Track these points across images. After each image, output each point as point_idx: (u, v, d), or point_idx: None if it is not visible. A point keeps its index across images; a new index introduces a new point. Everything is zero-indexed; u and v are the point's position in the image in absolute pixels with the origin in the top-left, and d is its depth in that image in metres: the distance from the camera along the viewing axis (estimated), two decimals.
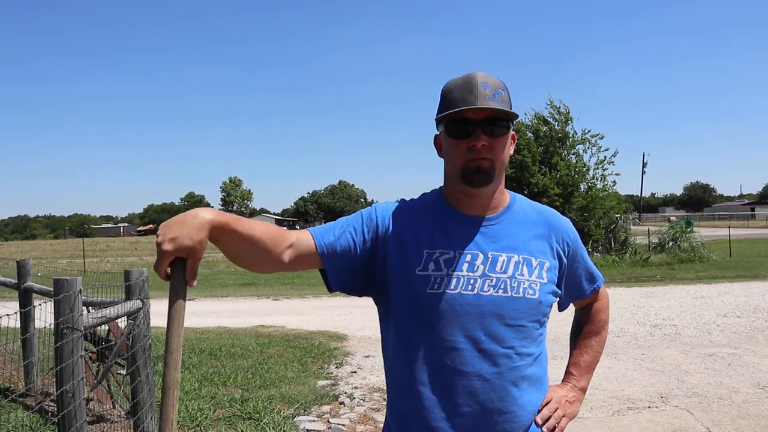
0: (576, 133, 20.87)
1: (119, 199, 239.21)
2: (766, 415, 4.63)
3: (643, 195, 77.08)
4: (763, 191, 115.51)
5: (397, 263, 1.45)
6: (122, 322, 3.96)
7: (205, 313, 10.68)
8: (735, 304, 9.99)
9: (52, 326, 2.79)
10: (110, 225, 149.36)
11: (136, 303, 3.74)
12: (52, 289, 2.88)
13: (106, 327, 4.42)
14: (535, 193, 20.09)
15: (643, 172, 67.31)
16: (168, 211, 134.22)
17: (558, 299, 1.59)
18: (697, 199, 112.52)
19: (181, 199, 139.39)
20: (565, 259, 1.56)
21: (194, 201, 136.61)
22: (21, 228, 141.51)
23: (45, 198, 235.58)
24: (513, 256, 1.46)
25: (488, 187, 1.44)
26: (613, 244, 20.58)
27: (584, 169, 20.62)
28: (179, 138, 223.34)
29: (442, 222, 1.48)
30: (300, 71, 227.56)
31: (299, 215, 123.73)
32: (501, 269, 1.44)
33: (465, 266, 1.43)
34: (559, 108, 20.92)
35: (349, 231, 1.46)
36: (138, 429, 3.80)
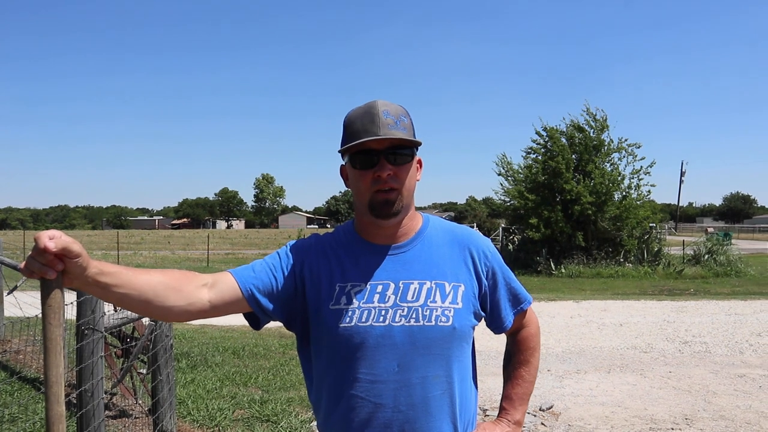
0: (612, 141, 20.53)
1: (155, 192, 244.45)
2: None
3: (681, 204, 75.36)
4: None
5: (312, 299, 1.45)
6: (147, 319, 4.04)
7: None
8: None
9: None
10: (146, 218, 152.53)
11: None
12: None
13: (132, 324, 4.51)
14: (568, 201, 19.83)
15: (681, 181, 65.83)
16: (202, 205, 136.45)
17: (480, 321, 1.54)
18: (737, 210, 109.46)
19: (215, 194, 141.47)
20: (485, 280, 1.52)
21: (228, 196, 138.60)
22: (61, 218, 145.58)
23: (85, 189, 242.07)
24: (425, 283, 1.44)
25: (397, 218, 1.43)
26: (645, 255, 20.15)
27: (619, 178, 20.26)
28: (215, 134, 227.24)
29: (353, 254, 1.48)
30: (338, 71, 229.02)
31: (330, 214, 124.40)
32: (413, 297, 1.42)
33: (376, 297, 1.42)
34: (596, 115, 20.61)
35: (269, 270, 1.45)
36: (157, 427, 3.87)
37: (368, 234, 1.49)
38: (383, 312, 1.41)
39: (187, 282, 1.35)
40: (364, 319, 1.40)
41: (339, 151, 1.46)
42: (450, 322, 1.42)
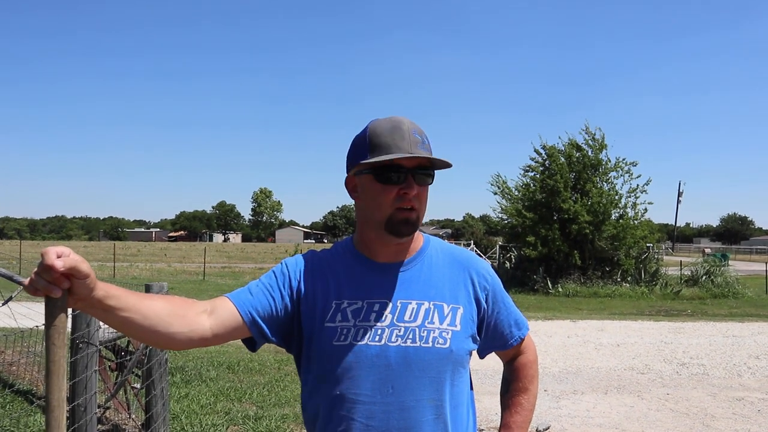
0: (609, 161, 20.63)
1: (153, 204, 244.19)
2: None
3: (678, 225, 75.57)
4: None
5: (308, 316, 1.42)
6: None
7: None
8: None
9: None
10: (143, 229, 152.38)
11: None
12: None
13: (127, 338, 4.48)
14: (566, 220, 19.87)
15: (679, 201, 66.06)
16: (199, 218, 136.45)
17: (477, 346, 1.52)
18: (734, 232, 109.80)
19: (213, 207, 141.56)
20: (484, 304, 1.49)
21: (225, 209, 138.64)
22: (57, 228, 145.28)
23: (82, 199, 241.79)
24: (423, 303, 1.42)
25: (409, 237, 1.43)
26: (643, 275, 20.15)
27: (616, 197, 20.33)
28: (214, 146, 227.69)
29: (351, 271, 1.45)
30: (335, 84, 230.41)
31: (327, 229, 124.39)
32: (410, 318, 1.40)
33: (373, 316, 1.39)
34: (594, 134, 20.73)
35: (267, 292, 1.41)
36: None
37: (371, 251, 1.46)
38: (379, 331, 1.38)
39: (188, 308, 1.31)
40: (359, 338, 1.37)
41: (360, 162, 1.40)
42: (447, 345, 1.40)
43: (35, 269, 1.09)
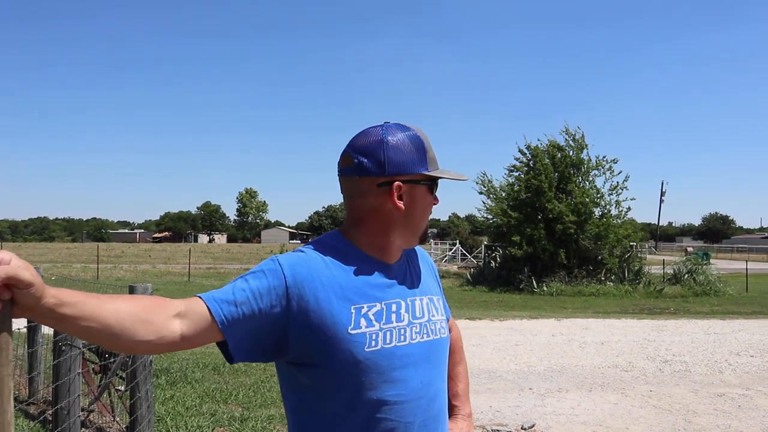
0: (590, 160, 20.82)
1: (137, 206, 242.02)
2: None
3: (661, 224, 76.35)
4: None
5: (323, 325, 1.30)
6: None
7: None
8: (749, 342, 9.80)
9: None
10: (127, 231, 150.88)
11: None
12: None
13: None
14: (550, 219, 20.00)
15: (662, 201, 66.82)
16: (184, 219, 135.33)
17: None
18: (716, 231, 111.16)
19: (198, 208, 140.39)
20: (441, 291, 1.67)
21: (210, 210, 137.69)
22: (40, 230, 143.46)
23: (65, 201, 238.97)
24: (423, 298, 1.49)
25: None
26: (626, 274, 20.35)
27: (598, 196, 20.51)
28: (197, 147, 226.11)
29: (362, 274, 1.40)
30: (319, 86, 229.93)
31: (313, 229, 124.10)
32: (420, 314, 1.45)
33: (393, 317, 1.39)
34: (575, 135, 20.90)
35: (253, 295, 1.27)
36: None
37: (383, 253, 1.45)
38: (402, 331, 1.40)
39: (157, 312, 1.19)
40: (388, 341, 1.36)
41: (429, 174, 1.42)
42: (447, 334, 1.52)
43: None
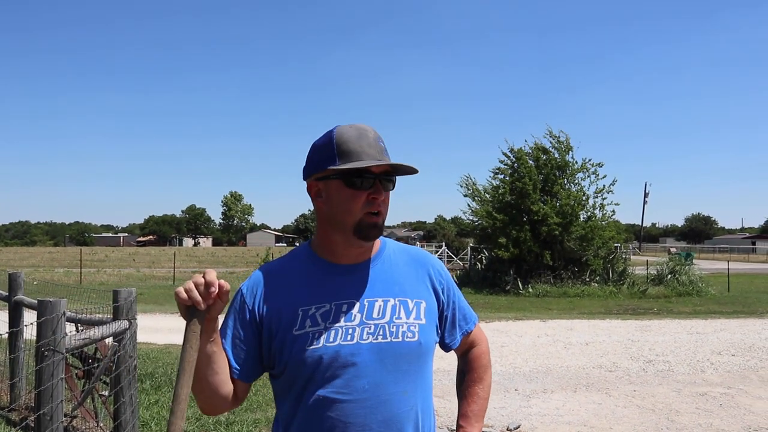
0: (576, 162, 20.96)
1: (121, 209, 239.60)
2: None
3: (644, 225, 77.13)
4: (764, 225, 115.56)
5: (276, 331, 1.43)
6: (110, 340, 3.95)
7: None
8: (730, 342, 9.94)
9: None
10: (110, 234, 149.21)
11: (122, 324, 3.73)
12: None
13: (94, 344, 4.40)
14: (535, 221, 20.11)
15: (645, 202, 67.58)
16: (169, 222, 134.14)
17: (440, 338, 1.59)
18: (698, 231, 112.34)
19: (183, 212, 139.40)
20: (442, 297, 1.57)
21: (195, 213, 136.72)
22: (21, 234, 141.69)
23: (47, 205, 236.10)
24: (389, 300, 1.47)
25: (375, 240, 1.48)
26: (611, 275, 20.51)
27: (584, 198, 20.66)
28: (182, 150, 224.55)
29: (314, 276, 1.47)
30: (304, 89, 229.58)
31: (299, 232, 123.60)
32: (378, 315, 1.44)
33: (342, 317, 1.42)
34: (559, 137, 21.04)
35: (236, 337, 1.46)
36: None
37: (333, 254, 1.48)
38: (350, 330, 1.41)
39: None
40: (332, 340, 1.40)
41: (332, 168, 1.41)
42: (416, 338, 1.45)
43: (193, 279, 1.29)
